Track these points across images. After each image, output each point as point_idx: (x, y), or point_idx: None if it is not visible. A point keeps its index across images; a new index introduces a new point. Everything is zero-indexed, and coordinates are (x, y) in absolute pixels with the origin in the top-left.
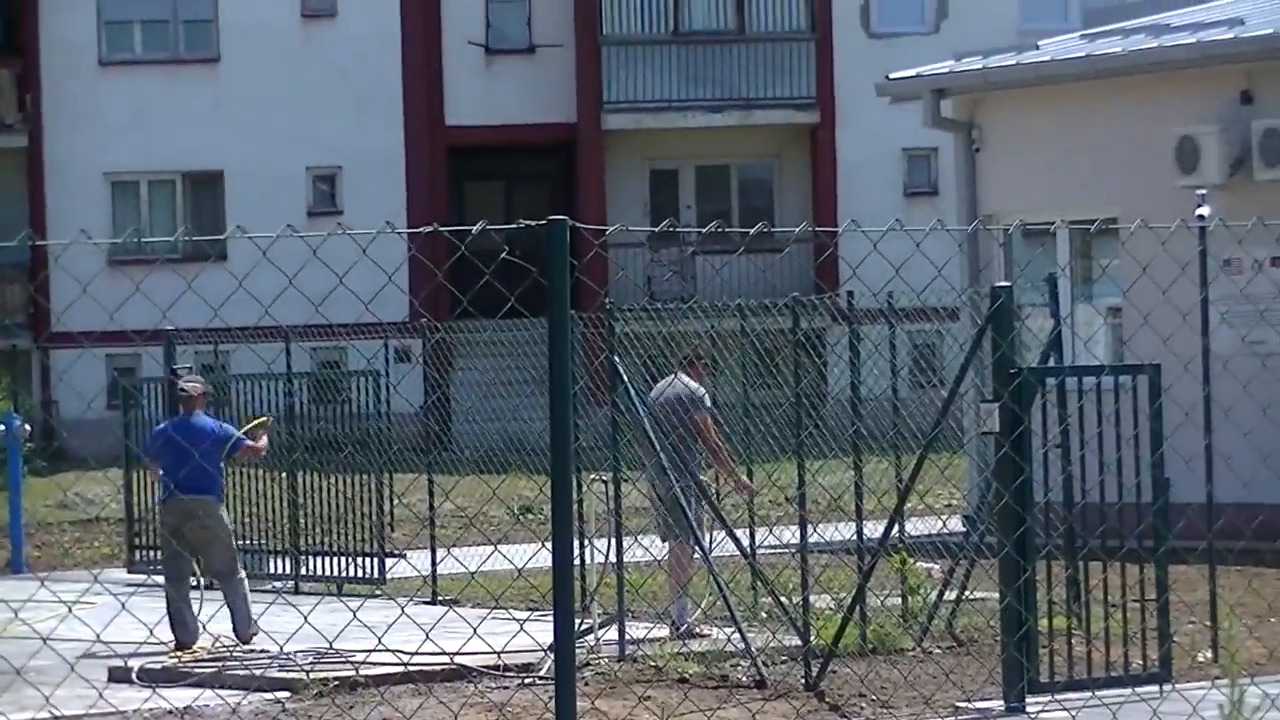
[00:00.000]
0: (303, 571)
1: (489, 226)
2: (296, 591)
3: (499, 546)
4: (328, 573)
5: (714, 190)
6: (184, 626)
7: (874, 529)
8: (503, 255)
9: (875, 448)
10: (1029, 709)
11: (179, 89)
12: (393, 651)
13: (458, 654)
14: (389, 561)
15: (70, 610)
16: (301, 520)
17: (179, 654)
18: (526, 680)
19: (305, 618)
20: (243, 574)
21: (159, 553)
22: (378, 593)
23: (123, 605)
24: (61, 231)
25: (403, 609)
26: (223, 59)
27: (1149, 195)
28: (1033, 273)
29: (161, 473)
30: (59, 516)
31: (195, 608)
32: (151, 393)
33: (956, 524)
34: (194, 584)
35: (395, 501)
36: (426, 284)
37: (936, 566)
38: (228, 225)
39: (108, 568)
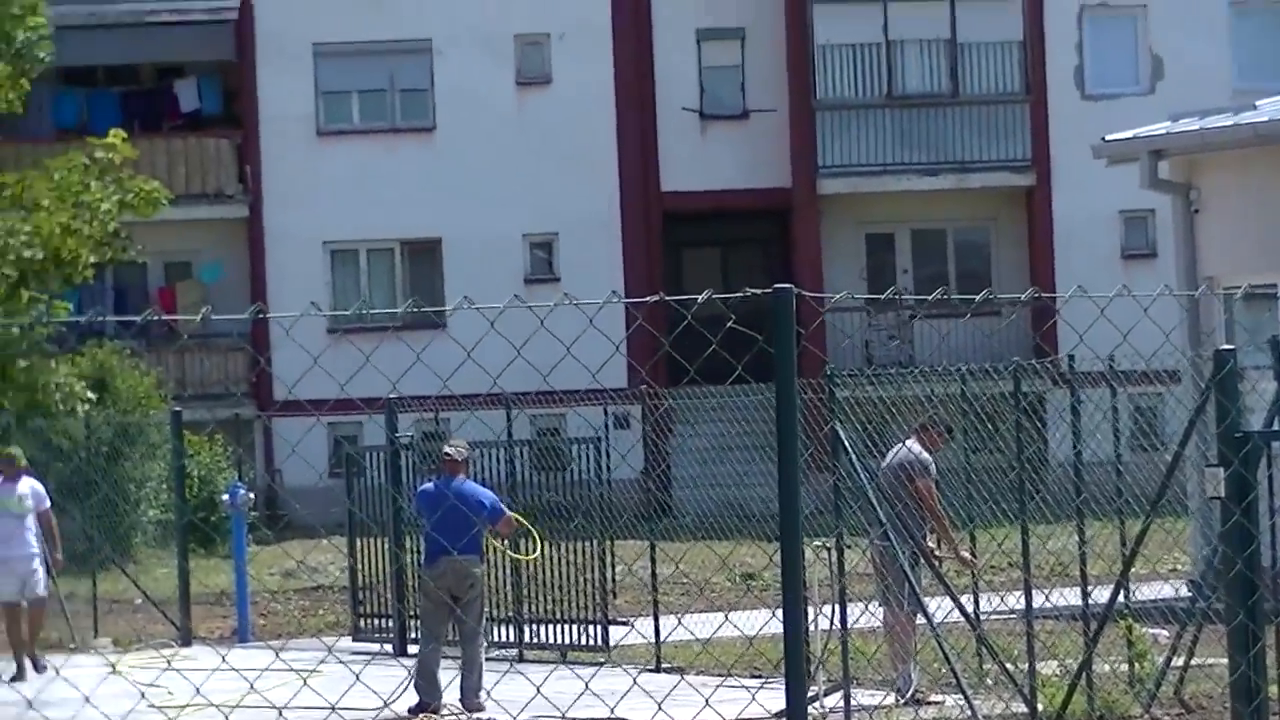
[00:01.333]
0: (526, 639)
1: (715, 295)
2: (520, 659)
3: (729, 616)
4: (552, 640)
5: (930, 253)
6: (433, 687)
7: (1100, 594)
8: (729, 323)
9: (1099, 512)
10: None
11: (396, 158)
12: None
13: None
14: (613, 629)
15: (305, 682)
16: (525, 588)
17: (418, 717)
18: None
19: (538, 689)
20: (484, 642)
21: (385, 620)
22: (602, 660)
23: (356, 676)
24: (282, 300)
25: (634, 680)
26: (438, 127)
27: None
28: (1256, 335)
29: (430, 533)
30: (284, 585)
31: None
32: (375, 461)
33: (1183, 589)
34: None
35: (618, 568)
36: (645, 350)
37: (1163, 632)
38: (446, 293)
39: (332, 636)
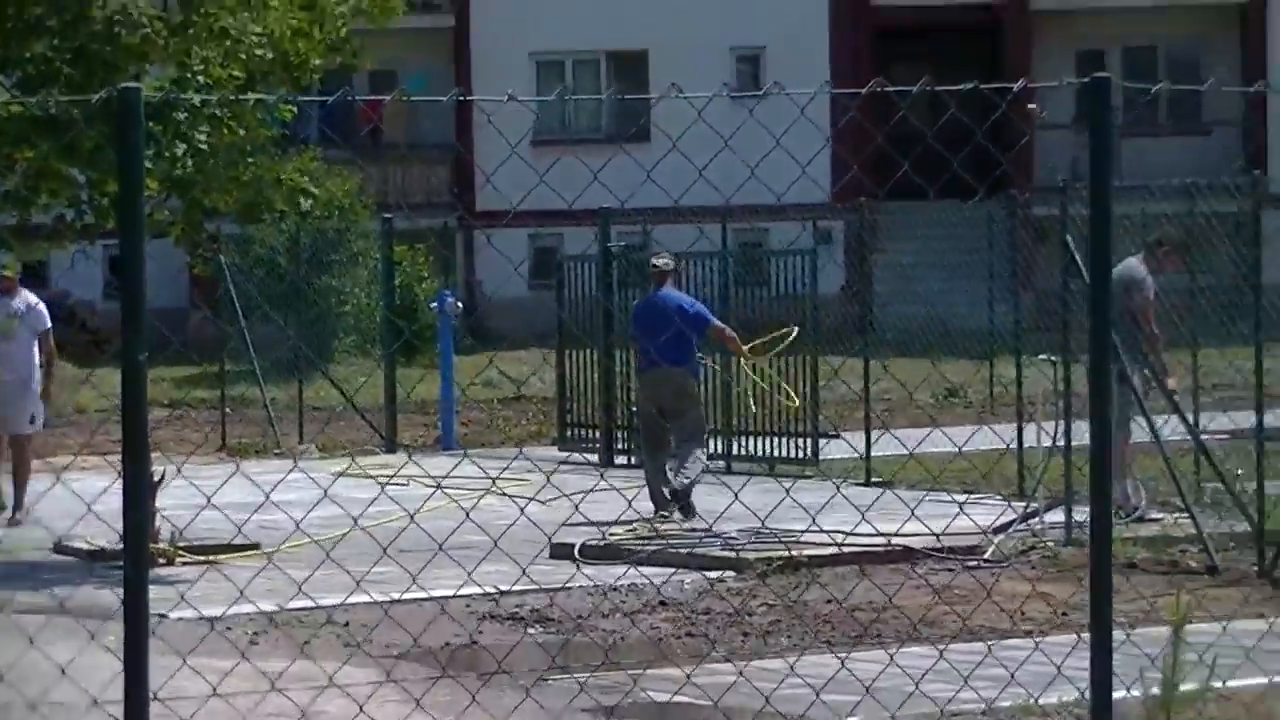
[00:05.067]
0: (735, 451)
1: (1031, 84)
2: (729, 471)
3: (939, 430)
4: (760, 453)
5: (1141, 72)
6: (664, 507)
7: None
8: (1043, 115)
9: None
10: None
11: None
12: (827, 532)
13: (895, 535)
14: (821, 442)
15: (517, 495)
16: (733, 400)
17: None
18: (969, 564)
19: (736, 496)
20: (702, 452)
21: (590, 431)
22: (810, 474)
23: (556, 487)
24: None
25: (838, 488)
26: None
27: None
28: None
29: (641, 344)
30: (485, 394)
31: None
32: (584, 270)
33: None
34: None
35: (824, 383)
36: (850, 164)
37: None
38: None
39: (535, 445)
